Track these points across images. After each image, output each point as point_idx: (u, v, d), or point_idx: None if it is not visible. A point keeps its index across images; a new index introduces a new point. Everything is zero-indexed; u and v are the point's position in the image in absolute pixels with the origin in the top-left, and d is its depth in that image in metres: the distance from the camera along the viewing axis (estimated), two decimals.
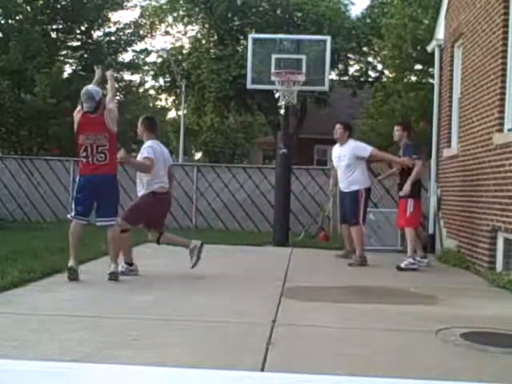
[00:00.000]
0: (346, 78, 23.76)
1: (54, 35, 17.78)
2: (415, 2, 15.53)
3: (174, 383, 1.03)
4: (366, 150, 8.49)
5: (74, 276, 6.02)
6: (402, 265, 7.69)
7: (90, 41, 18.21)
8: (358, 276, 7.29)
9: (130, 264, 6.75)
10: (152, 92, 23.94)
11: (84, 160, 6.30)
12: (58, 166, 13.85)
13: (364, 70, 23.68)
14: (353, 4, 35.84)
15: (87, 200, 6.24)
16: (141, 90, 20.74)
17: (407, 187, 7.87)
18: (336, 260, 8.66)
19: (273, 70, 10.68)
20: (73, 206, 6.33)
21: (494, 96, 7.44)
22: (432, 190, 10.49)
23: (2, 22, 16.77)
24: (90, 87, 6.44)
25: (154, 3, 23.21)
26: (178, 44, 24.15)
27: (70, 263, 6.04)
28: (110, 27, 18.46)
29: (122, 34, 18.57)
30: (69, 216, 6.42)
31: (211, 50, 22.50)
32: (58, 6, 17.43)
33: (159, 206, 6.86)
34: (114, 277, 6.14)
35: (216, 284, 6.30)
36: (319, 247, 10.24)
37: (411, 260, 7.75)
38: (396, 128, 8.59)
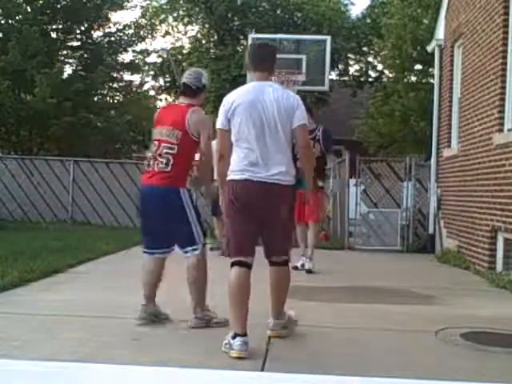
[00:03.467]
0: (346, 78, 23.74)
1: (53, 35, 17.76)
2: (415, 1, 15.53)
3: (174, 383, 1.03)
4: None
5: (145, 321, 4.42)
6: (298, 265, 7.19)
7: (89, 41, 18.19)
8: (358, 276, 7.29)
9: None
10: (152, 92, 23.92)
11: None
12: (58, 166, 13.84)
13: (364, 70, 23.67)
14: (353, 4, 35.90)
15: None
16: (140, 91, 20.71)
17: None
18: (336, 260, 8.66)
19: None
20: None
21: (494, 96, 7.44)
22: (432, 189, 10.49)
23: (2, 22, 16.75)
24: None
25: (154, 3, 23.23)
26: (178, 44, 24.15)
27: (143, 302, 4.52)
28: (110, 27, 18.46)
29: (122, 34, 18.56)
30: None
31: (211, 50, 22.49)
32: (58, 6, 17.40)
33: None
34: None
35: (215, 284, 6.29)
36: (319, 247, 10.23)
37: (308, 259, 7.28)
38: None
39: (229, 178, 3.87)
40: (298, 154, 4.10)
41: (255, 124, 3.81)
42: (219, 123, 3.92)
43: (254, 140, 3.81)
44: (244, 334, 3.66)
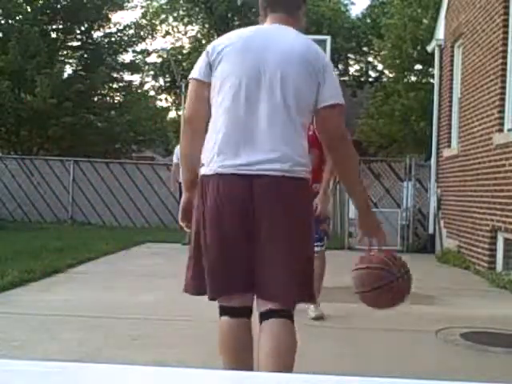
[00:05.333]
0: (346, 78, 23.76)
1: (53, 35, 17.78)
2: (415, 1, 15.54)
3: (174, 383, 1.03)
4: None
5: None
6: None
7: (90, 41, 18.21)
8: None
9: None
10: (152, 93, 23.92)
11: None
12: (58, 166, 13.84)
13: (364, 69, 23.70)
14: (353, 4, 35.92)
15: None
16: (140, 91, 20.71)
17: None
18: (336, 260, 8.65)
19: None
20: None
21: (494, 96, 7.44)
22: (432, 189, 10.49)
23: (2, 22, 16.76)
24: None
25: (154, 3, 23.24)
26: (178, 44, 24.17)
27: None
28: (110, 28, 18.46)
29: (122, 34, 18.57)
30: None
31: None
32: (58, 6, 17.42)
33: None
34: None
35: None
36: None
37: None
38: None
39: (201, 172, 2.41)
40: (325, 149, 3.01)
41: (249, 79, 2.32)
42: (192, 71, 2.47)
43: (243, 106, 2.32)
44: None
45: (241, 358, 2.43)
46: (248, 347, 2.45)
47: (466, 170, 8.60)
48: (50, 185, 13.74)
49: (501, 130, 7.24)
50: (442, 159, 10.24)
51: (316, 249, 4.41)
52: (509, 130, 7.10)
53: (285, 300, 2.39)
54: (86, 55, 18.32)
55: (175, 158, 9.69)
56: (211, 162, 2.33)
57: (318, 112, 2.40)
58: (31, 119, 15.56)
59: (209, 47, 2.45)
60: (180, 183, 9.28)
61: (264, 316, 2.40)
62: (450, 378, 3.28)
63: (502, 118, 7.24)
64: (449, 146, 9.98)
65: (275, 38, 2.41)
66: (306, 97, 2.36)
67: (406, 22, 15.18)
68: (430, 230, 10.37)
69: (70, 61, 18.57)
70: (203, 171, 2.37)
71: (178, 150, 9.08)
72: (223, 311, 2.43)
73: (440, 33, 10.63)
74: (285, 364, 2.37)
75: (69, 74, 17.46)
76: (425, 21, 14.86)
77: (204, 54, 2.44)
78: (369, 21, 22.31)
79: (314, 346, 3.99)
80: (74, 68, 18.50)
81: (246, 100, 2.32)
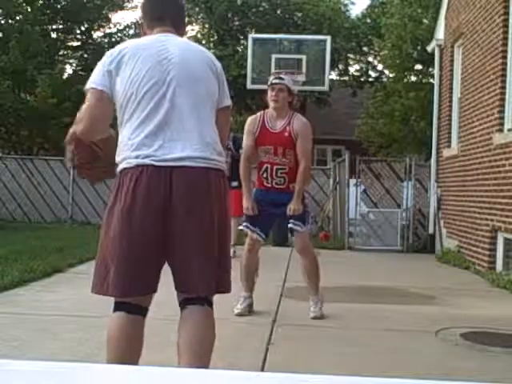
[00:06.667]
0: (346, 77, 23.75)
1: (54, 35, 17.78)
2: (415, 2, 15.53)
3: (175, 383, 1.03)
4: None
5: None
6: None
7: (90, 41, 18.21)
8: (358, 276, 7.28)
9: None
10: None
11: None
12: (58, 166, 13.83)
13: (364, 69, 23.68)
14: (353, 4, 35.91)
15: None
16: None
17: None
18: (336, 260, 8.65)
19: (273, 70, 10.68)
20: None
21: (494, 96, 7.44)
22: (432, 189, 10.49)
23: (2, 22, 16.76)
24: None
25: None
26: None
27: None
28: (110, 28, 18.46)
29: (122, 35, 18.56)
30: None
31: (211, 50, 22.50)
32: (58, 6, 17.42)
33: None
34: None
35: None
36: (319, 247, 10.23)
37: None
38: None
39: (119, 166, 2.46)
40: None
41: (155, 77, 2.43)
42: (91, 80, 2.48)
43: (154, 102, 2.43)
44: None
45: (128, 355, 2.45)
46: (138, 345, 2.50)
47: (466, 169, 8.61)
48: (50, 185, 13.73)
49: (501, 130, 7.24)
50: (442, 159, 10.24)
51: (296, 227, 4.57)
52: (509, 130, 7.10)
53: (202, 289, 2.43)
54: (86, 55, 18.31)
55: None
56: (130, 155, 2.46)
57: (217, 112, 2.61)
58: (31, 119, 15.55)
59: (107, 53, 2.56)
60: None
61: (183, 303, 2.48)
62: (450, 378, 3.28)
63: (502, 118, 7.24)
64: (449, 146, 9.99)
65: (171, 41, 2.56)
66: (212, 89, 2.59)
67: (406, 21, 15.18)
68: (430, 230, 10.37)
69: (71, 61, 18.56)
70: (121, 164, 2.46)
71: None
72: (120, 307, 2.49)
73: (440, 33, 10.64)
74: (202, 351, 2.42)
75: (69, 74, 17.45)
76: (425, 21, 14.86)
77: (100, 62, 2.55)
78: (369, 21, 22.28)
79: (315, 346, 3.99)
80: (74, 68, 18.49)
81: (157, 97, 2.47)
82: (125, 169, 2.41)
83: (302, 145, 4.63)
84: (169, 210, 2.36)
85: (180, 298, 2.50)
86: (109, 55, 2.49)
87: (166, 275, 2.54)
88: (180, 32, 2.69)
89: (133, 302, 2.44)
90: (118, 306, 2.48)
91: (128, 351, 2.46)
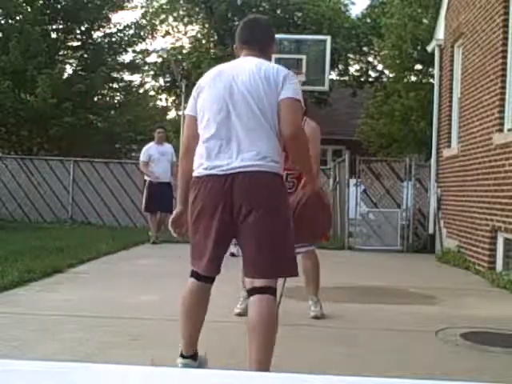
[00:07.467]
0: (346, 77, 23.74)
1: (54, 35, 17.77)
2: (415, 1, 15.53)
3: (174, 383, 1.03)
4: None
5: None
6: None
7: (90, 41, 18.20)
8: (358, 276, 7.29)
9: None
10: (152, 92, 23.90)
11: None
12: (58, 166, 13.84)
13: (364, 69, 23.67)
14: (353, 4, 35.84)
15: None
16: (141, 91, 20.70)
17: None
18: (336, 260, 8.65)
19: None
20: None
21: (494, 96, 7.44)
22: (432, 189, 10.49)
23: (2, 22, 16.76)
24: None
25: (154, 3, 23.22)
26: (178, 44, 24.15)
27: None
28: (110, 28, 18.45)
29: (122, 35, 18.55)
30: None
31: (211, 50, 22.49)
32: (59, 6, 17.42)
33: None
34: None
35: (216, 284, 6.29)
36: (319, 247, 10.22)
37: None
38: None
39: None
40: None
41: (218, 99, 2.92)
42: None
43: (216, 122, 2.92)
44: (189, 357, 3.12)
45: (195, 311, 3.09)
46: (204, 303, 3.12)
47: (466, 169, 8.61)
48: (50, 185, 13.73)
49: (501, 130, 7.24)
50: (442, 159, 10.24)
51: (301, 250, 4.45)
52: (509, 130, 7.10)
53: (264, 276, 2.87)
54: (86, 55, 18.30)
55: (143, 157, 10.30)
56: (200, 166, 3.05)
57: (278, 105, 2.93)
58: (31, 119, 15.55)
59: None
60: (145, 181, 10.27)
61: (251, 292, 2.91)
62: (450, 378, 3.28)
63: (502, 118, 7.24)
64: (449, 146, 9.99)
65: (241, 66, 2.98)
66: (273, 100, 2.91)
67: (406, 21, 15.17)
68: (430, 230, 10.38)
69: (70, 61, 18.56)
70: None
71: (145, 149, 10.27)
72: (193, 274, 3.08)
73: (440, 33, 10.64)
74: (266, 334, 2.84)
75: (69, 74, 17.45)
76: (425, 21, 14.85)
77: None
78: (369, 21, 22.26)
79: (315, 346, 3.99)
80: (74, 68, 18.49)
81: (219, 116, 2.96)
82: (197, 177, 2.98)
83: (312, 150, 4.59)
84: (233, 208, 2.86)
85: (248, 285, 2.99)
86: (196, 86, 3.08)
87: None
88: (267, 55, 3.12)
89: (203, 274, 3.04)
90: (193, 273, 3.10)
91: (196, 308, 3.10)
